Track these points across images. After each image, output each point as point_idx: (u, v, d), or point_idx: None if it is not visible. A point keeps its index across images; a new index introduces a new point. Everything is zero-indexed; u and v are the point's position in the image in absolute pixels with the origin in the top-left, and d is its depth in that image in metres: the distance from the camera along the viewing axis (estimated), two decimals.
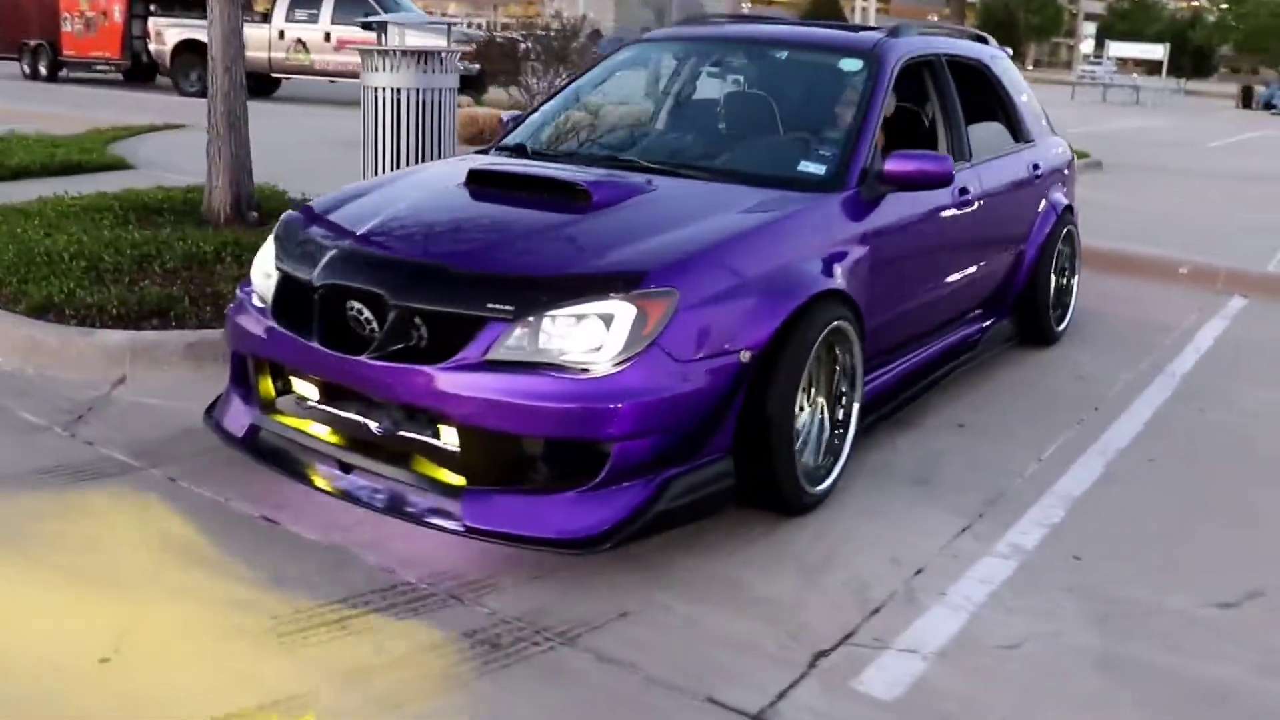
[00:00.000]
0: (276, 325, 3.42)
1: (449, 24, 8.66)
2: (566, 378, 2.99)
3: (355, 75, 7.77)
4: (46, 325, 4.62)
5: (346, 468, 3.29)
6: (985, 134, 5.25)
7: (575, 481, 3.02)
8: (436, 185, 4.04)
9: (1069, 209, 5.93)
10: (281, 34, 18.03)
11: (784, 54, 4.86)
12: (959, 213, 4.66)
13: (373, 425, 3.25)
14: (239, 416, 3.61)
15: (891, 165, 4.01)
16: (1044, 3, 71.85)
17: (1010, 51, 6.11)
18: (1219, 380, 5.42)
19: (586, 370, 3.01)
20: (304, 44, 17.96)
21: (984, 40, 5.81)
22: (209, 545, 3.21)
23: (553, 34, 16.21)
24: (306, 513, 3.39)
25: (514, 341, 3.03)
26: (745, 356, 3.23)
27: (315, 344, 3.26)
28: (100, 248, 5.53)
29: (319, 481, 3.31)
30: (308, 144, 11.43)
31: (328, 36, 17.73)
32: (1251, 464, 4.37)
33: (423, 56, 7.31)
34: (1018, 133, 5.63)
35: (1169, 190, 12.54)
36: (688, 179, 4.01)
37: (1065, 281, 5.93)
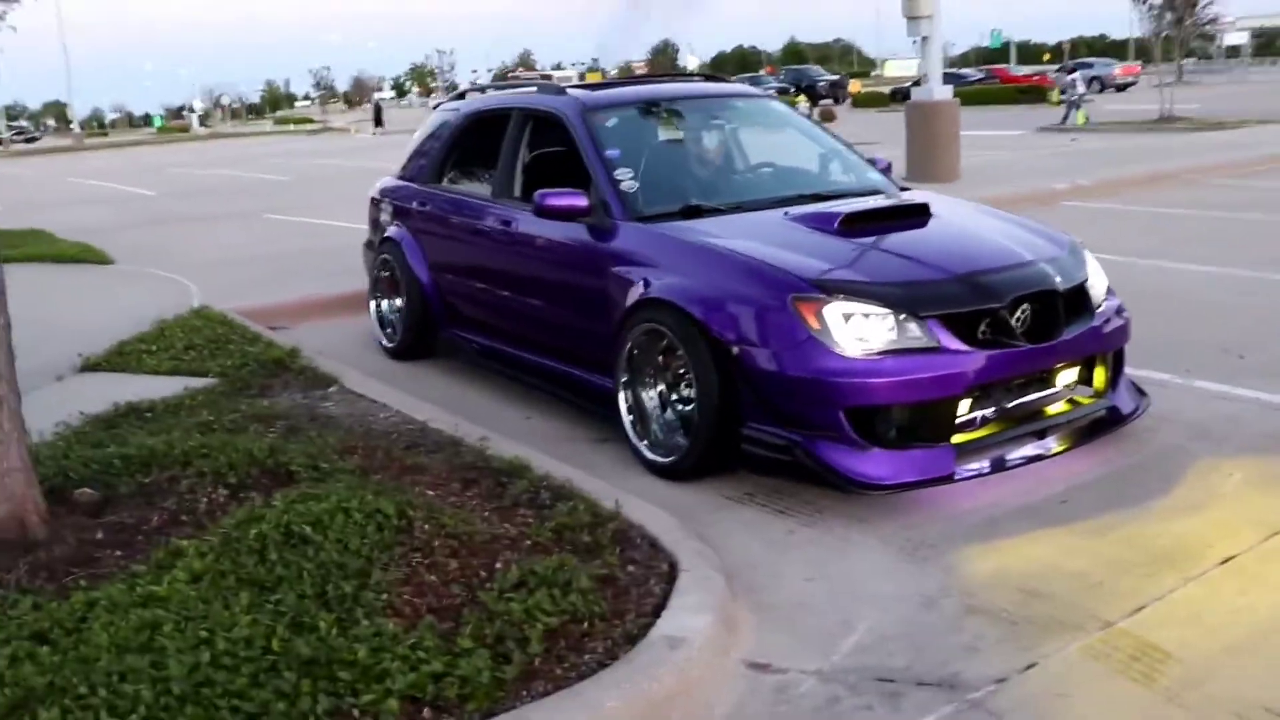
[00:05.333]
0: (986, 351, 4.05)
1: None
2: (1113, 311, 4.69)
3: None
4: None
5: (1042, 434, 4.34)
6: None
7: (1121, 371, 4.74)
8: (814, 235, 4.57)
9: None
10: None
11: (741, 104, 6.15)
12: None
13: (985, 410, 4.23)
14: (933, 459, 3.98)
15: (883, 165, 5.93)
16: None
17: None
18: None
19: (1101, 304, 4.63)
20: None
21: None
22: None
23: None
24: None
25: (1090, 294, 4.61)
26: None
27: (1027, 346, 4.16)
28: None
29: (1045, 451, 4.29)
30: None
31: None
32: None
33: None
34: None
35: None
36: (865, 196, 5.38)
37: None
